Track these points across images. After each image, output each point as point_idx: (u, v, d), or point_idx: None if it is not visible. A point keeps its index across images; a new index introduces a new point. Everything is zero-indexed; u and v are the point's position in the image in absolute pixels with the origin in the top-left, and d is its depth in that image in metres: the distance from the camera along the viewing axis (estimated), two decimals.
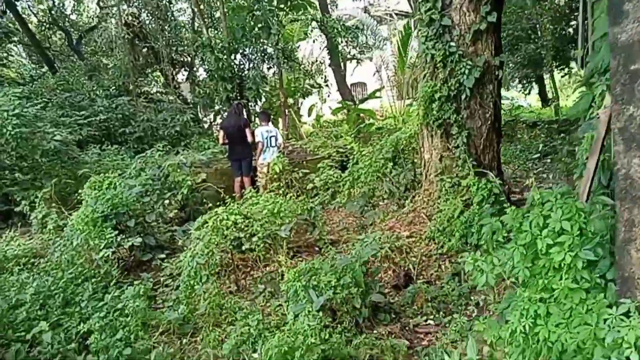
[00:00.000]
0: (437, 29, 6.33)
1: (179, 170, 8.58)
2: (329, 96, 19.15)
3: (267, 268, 5.91)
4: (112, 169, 9.75)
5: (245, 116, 10.76)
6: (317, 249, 6.24)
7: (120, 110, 14.87)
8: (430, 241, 5.94)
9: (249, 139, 9.59)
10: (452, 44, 6.28)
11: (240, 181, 9.53)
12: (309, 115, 20.99)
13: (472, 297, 4.88)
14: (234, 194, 8.75)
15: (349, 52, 20.79)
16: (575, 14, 18.40)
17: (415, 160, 7.37)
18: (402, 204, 7.04)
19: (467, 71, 6.21)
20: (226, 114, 10.90)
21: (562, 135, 14.50)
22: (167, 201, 8.11)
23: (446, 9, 6.32)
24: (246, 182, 9.46)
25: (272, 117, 11.66)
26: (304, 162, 10.08)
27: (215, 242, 4.84)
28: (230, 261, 5.52)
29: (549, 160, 10.82)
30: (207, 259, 4.73)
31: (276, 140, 9.59)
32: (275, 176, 8.84)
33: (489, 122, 6.51)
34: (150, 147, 10.69)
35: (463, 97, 6.33)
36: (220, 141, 9.91)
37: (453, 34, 6.32)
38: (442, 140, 6.60)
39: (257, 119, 14.24)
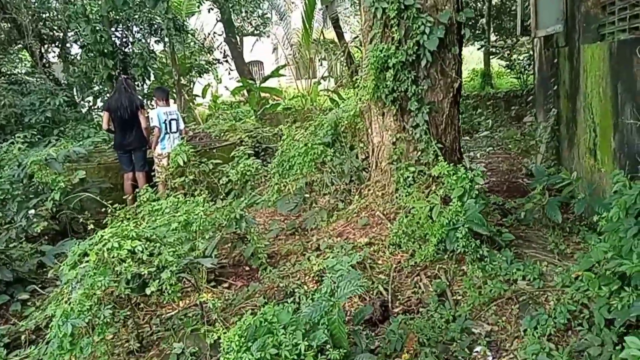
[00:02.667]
0: None
1: (47, 168, 6.50)
2: (229, 73, 17.22)
3: (182, 303, 4.25)
4: None
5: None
6: (248, 268, 4.66)
7: None
8: (396, 249, 4.61)
9: (143, 123, 7.66)
10: None
11: (132, 178, 7.59)
12: (204, 96, 18.89)
13: (473, 330, 3.61)
14: (124, 196, 6.85)
15: (248, 26, 18.93)
16: None
17: (361, 145, 5.98)
18: (347, 200, 5.64)
19: (427, 30, 4.89)
20: (112, 92, 8.75)
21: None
22: (32, 211, 6.06)
23: None
24: (140, 178, 7.54)
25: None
26: (212, 150, 8.30)
27: (103, 286, 3.08)
28: (127, 302, 3.78)
29: (499, 135, 9.93)
30: (92, 317, 2.99)
31: (177, 124, 7.72)
32: (177, 170, 7.00)
33: (451, 95, 5.27)
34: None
35: (423, 63, 5.02)
36: (104, 126, 7.86)
37: None
38: (397, 118, 5.27)
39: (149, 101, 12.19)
